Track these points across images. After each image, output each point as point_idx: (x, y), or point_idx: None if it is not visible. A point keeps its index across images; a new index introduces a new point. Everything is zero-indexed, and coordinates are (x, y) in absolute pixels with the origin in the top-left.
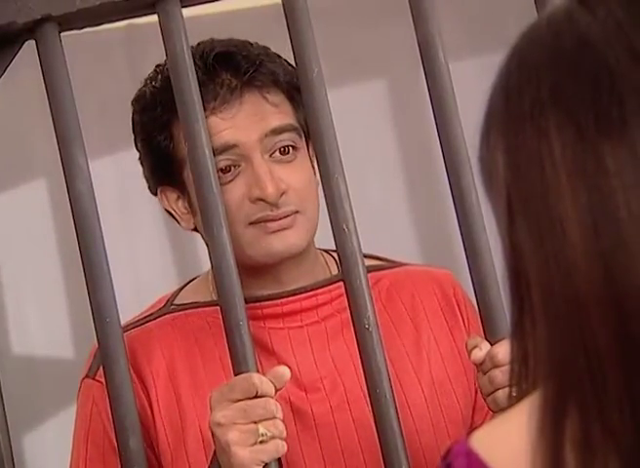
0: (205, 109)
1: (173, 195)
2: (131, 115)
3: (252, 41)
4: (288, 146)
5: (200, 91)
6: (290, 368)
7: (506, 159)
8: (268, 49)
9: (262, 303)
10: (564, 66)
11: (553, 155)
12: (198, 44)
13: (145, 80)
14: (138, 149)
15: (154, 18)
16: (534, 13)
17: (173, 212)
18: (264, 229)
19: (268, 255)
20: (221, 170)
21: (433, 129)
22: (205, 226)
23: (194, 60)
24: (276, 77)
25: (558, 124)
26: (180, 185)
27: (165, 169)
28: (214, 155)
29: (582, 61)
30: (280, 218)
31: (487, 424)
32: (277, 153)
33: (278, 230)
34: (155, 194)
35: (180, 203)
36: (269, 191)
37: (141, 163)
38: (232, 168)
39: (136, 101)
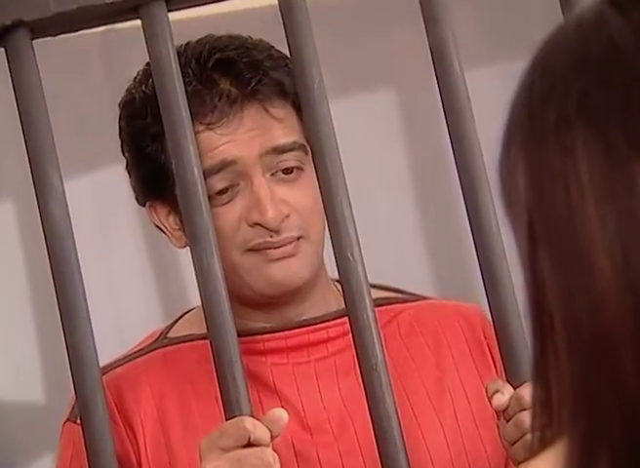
0: (200, 122)
1: (163, 210)
2: (116, 121)
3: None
4: (292, 167)
5: (192, 99)
6: (294, 407)
7: (528, 179)
8: (273, 50)
9: (264, 336)
10: (592, 75)
11: (579, 175)
12: (195, 42)
13: (134, 80)
14: (124, 156)
15: (134, 21)
16: (559, 15)
17: (163, 228)
18: (264, 256)
19: (269, 285)
20: (218, 192)
21: (447, 143)
22: (194, 256)
23: (188, 63)
24: (282, 87)
25: (585, 141)
26: (171, 200)
27: (155, 182)
28: (210, 174)
29: (613, 70)
30: (281, 245)
31: None
32: (280, 172)
33: (279, 258)
34: (143, 205)
35: (170, 218)
36: (270, 216)
37: (129, 172)
38: (229, 189)
39: (124, 106)
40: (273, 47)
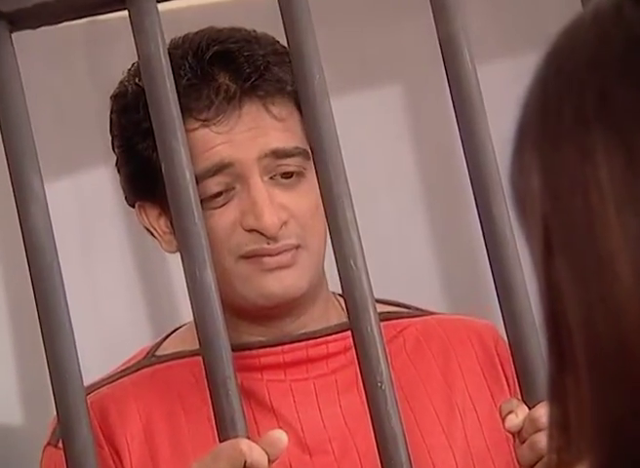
0: (195, 119)
1: (153, 211)
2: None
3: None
4: (292, 172)
5: (188, 94)
6: (292, 427)
7: (543, 184)
8: (278, 44)
9: (260, 351)
10: (612, 72)
11: (599, 180)
12: (194, 33)
13: (128, 71)
14: (114, 152)
15: (120, 12)
16: (578, 5)
17: (153, 230)
18: (259, 265)
19: (263, 297)
20: (213, 195)
21: (457, 143)
22: (185, 265)
23: (185, 56)
24: (283, 85)
25: (605, 143)
26: (162, 200)
27: (145, 181)
28: (205, 176)
29: (633, 67)
30: (278, 253)
31: None
32: (279, 176)
33: (275, 268)
34: (132, 206)
35: (161, 221)
36: (267, 222)
37: (118, 170)
38: (224, 192)
39: (115, 99)
40: (278, 41)
